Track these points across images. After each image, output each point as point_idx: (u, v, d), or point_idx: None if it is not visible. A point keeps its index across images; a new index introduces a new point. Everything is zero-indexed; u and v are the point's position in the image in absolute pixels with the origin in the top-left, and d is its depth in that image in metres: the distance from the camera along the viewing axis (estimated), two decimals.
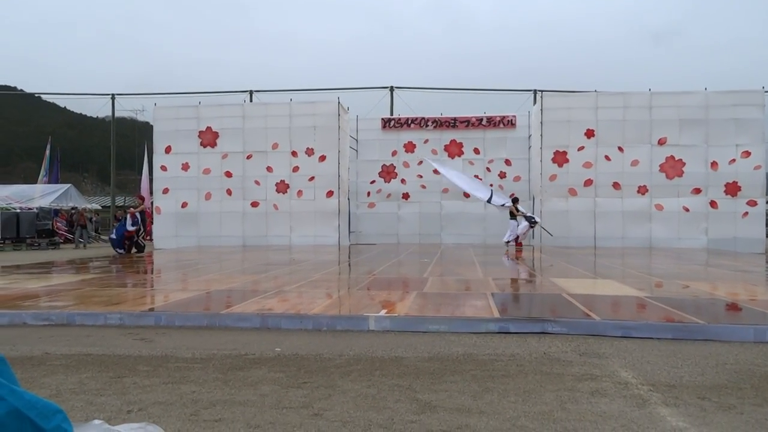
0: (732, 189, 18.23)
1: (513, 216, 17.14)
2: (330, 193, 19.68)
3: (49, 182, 31.68)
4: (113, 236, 16.41)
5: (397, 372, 3.77)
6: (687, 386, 3.43)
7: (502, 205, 17.65)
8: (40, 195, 27.55)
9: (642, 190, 18.57)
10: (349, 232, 21.37)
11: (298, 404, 3.12)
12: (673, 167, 18.50)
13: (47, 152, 33.17)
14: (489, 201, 17.94)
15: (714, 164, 18.31)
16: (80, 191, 32.60)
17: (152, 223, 20.62)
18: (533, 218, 16.86)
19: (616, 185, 18.65)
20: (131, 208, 16.31)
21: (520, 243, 17.19)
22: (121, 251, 15.88)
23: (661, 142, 18.53)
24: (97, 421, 1.41)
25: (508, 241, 17.28)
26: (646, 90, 18.90)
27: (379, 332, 5.11)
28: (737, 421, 2.85)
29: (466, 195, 20.47)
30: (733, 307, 6.08)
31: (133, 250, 16.03)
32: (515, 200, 17.40)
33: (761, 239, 17.99)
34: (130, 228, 15.80)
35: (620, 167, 18.65)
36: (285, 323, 5.36)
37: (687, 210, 18.38)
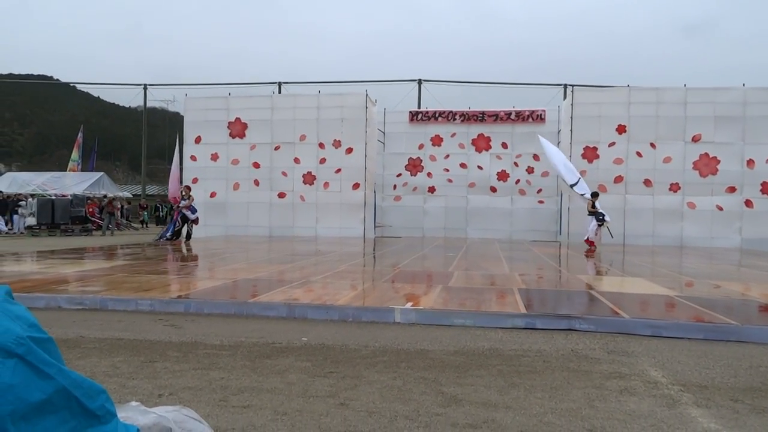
0: None
1: (591, 213, 15.17)
2: (356, 186, 19.73)
3: (86, 170, 32.46)
4: (171, 229, 16.92)
5: (423, 365, 3.78)
6: (719, 387, 3.37)
7: (582, 195, 16.08)
8: (75, 182, 28.26)
9: (674, 188, 18.18)
10: (375, 224, 21.41)
11: (325, 393, 3.15)
12: (707, 165, 18.05)
13: (80, 140, 33.94)
14: (573, 186, 16.17)
15: (750, 162, 17.81)
16: (112, 179, 33.32)
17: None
18: (603, 215, 15.15)
19: (647, 182, 18.28)
20: (181, 202, 16.65)
21: (590, 241, 15.24)
22: (170, 237, 16.51)
23: (696, 139, 18.09)
24: (134, 403, 1.44)
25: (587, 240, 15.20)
26: (680, 85, 18.45)
27: (405, 325, 5.12)
28: None
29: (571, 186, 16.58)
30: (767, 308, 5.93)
31: (173, 236, 16.53)
32: (594, 194, 15.32)
33: None
34: (192, 216, 16.57)
35: (652, 164, 18.26)
36: (311, 313, 5.41)
37: (720, 209, 17.93)
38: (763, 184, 17.72)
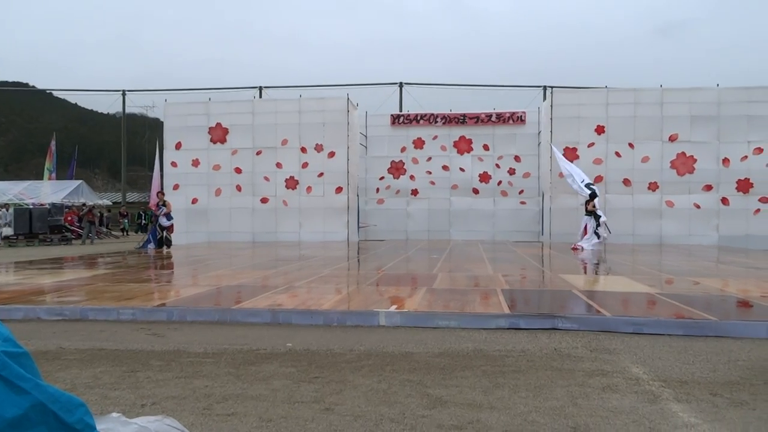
0: (744, 186, 18.08)
1: (589, 213, 15.21)
2: (339, 189, 19.71)
3: (64, 178, 31.93)
4: (151, 239, 16.65)
5: (408, 367, 3.79)
6: (699, 382, 3.42)
7: (589, 193, 16.01)
8: (53, 191, 27.77)
9: (653, 187, 18.45)
10: (359, 225, 21.39)
11: (310, 399, 3.14)
12: (684, 164, 18.36)
13: (52, 148, 33.35)
14: (585, 185, 15.81)
15: (726, 161, 18.16)
16: (91, 187, 32.84)
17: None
18: (599, 216, 14.75)
19: (626, 182, 18.54)
20: (160, 210, 16.37)
21: (576, 247, 14.91)
22: (152, 246, 16.30)
23: (672, 139, 18.39)
24: (115, 414, 1.43)
25: (597, 240, 14.97)
26: (657, 86, 18.76)
27: (390, 328, 5.13)
28: (750, 416, 2.84)
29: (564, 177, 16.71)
30: (745, 303, 6.04)
31: (157, 246, 16.29)
32: (593, 195, 15.18)
33: None
34: (165, 224, 16.32)
35: (631, 164, 18.53)
36: (296, 318, 5.39)
37: (698, 207, 18.25)
38: (739, 181, 18.08)
